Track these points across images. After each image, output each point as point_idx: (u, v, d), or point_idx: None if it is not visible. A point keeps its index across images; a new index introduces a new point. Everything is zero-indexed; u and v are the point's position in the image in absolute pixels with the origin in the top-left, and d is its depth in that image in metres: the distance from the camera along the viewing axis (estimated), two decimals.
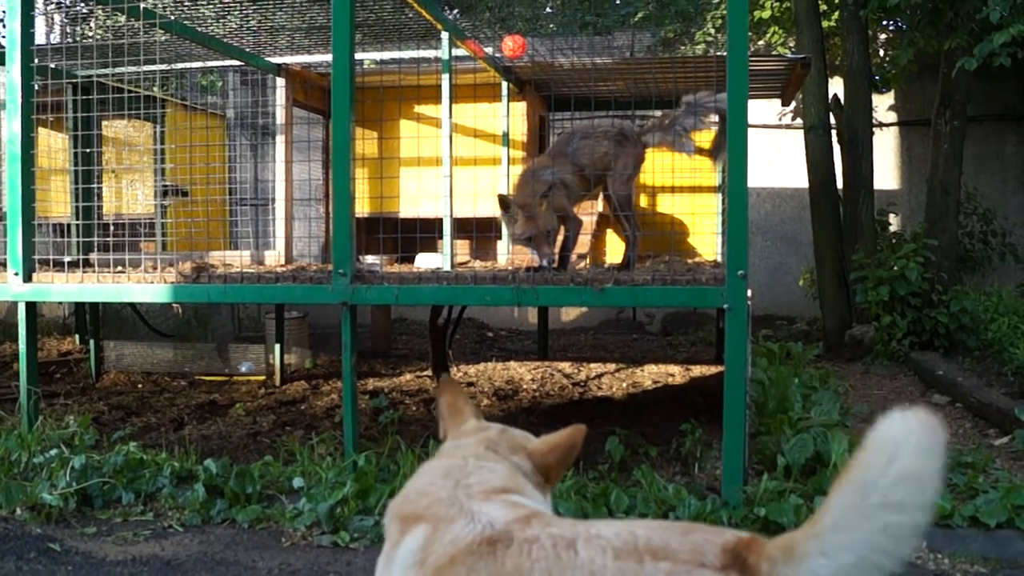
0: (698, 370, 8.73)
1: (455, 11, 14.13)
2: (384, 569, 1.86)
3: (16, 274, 5.22)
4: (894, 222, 10.77)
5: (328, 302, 4.92)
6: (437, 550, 1.76)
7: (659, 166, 8.61)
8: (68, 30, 12.96)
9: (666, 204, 8.79)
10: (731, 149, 4.51)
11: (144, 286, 5.16)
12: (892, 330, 8.93)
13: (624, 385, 8.08)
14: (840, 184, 9.94)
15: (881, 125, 11.34)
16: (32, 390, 5.24)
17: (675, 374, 8.60)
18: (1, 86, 6.53)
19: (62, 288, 5.27)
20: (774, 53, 11.09)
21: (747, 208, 4.47)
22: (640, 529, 1.65)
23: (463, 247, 8.38)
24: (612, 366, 9.02)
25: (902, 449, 1.43)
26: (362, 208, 7.19)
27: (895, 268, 8.85)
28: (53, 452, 4.72)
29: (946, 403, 7.09)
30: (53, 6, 12.48)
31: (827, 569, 1.44)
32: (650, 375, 8.55)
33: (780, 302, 11.66)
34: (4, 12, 5.46)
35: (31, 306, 5.35)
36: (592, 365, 9.05)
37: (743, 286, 4.44)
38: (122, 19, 8.06)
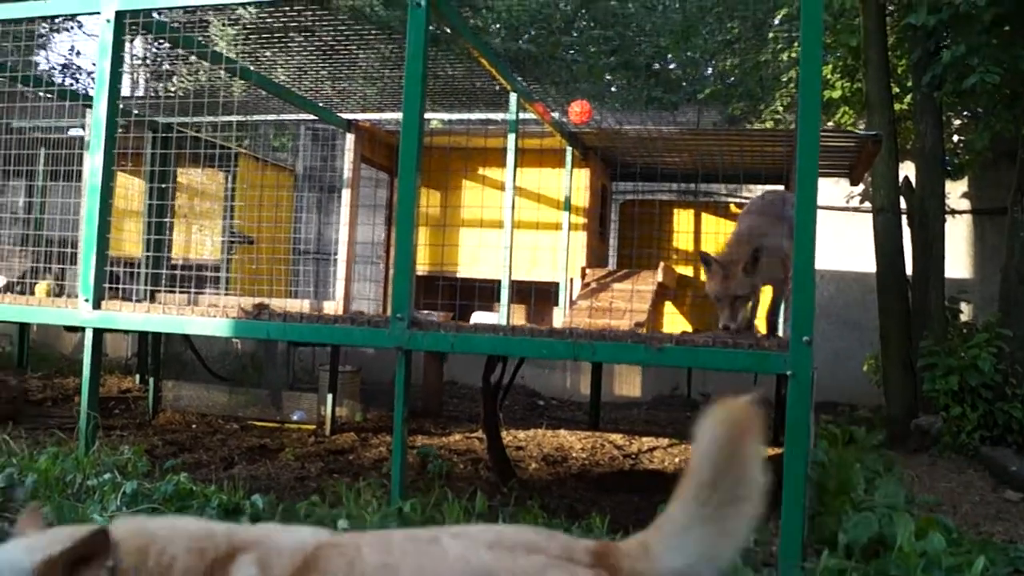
0: None
1: (521, 79, 14.41)
2: None
3: (87, 300, 5.33)
4: (965, 311, 10.49)
5: (385, 345, 4.91)
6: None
7: (720, 240, 8.60)
8: (150, 85, 13.50)
9: None
10: (800, 210, 4.44)
11: (206, 319, 5.22)
12: (961, 422, 8.60)
13: (677, 460, 7.90)
14: (909, 269, 9.75)
15: (954, 212, 11.13)
16: (92, 414, 5.30)
17: None
18: (88, 128, 6.78)
19: (128, 317, 5.36)
20: None
21: (814, 273, 4.38)
22: (501, 529, 1.78)
23: (519, 311, 8.38)
24: (665, 441, 8.84)
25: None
26: (421, 266, 7.25)
27: (965, 357, 8.58)
28: (106, 476, 4.75)
29: (1019, 499, 6.79)
30: (139, 62, 12.98)
31: (679, 561, 1.66)
32: None
33: (842, 388, 11.37)
34: (94, 65, 5.71)
35: (98, 333, 5.45)
36: (644, 438, 8.88)
37: (808, 353, 4.33)
38: (203, 77, 8.38)
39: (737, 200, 10.57)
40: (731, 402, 1.75)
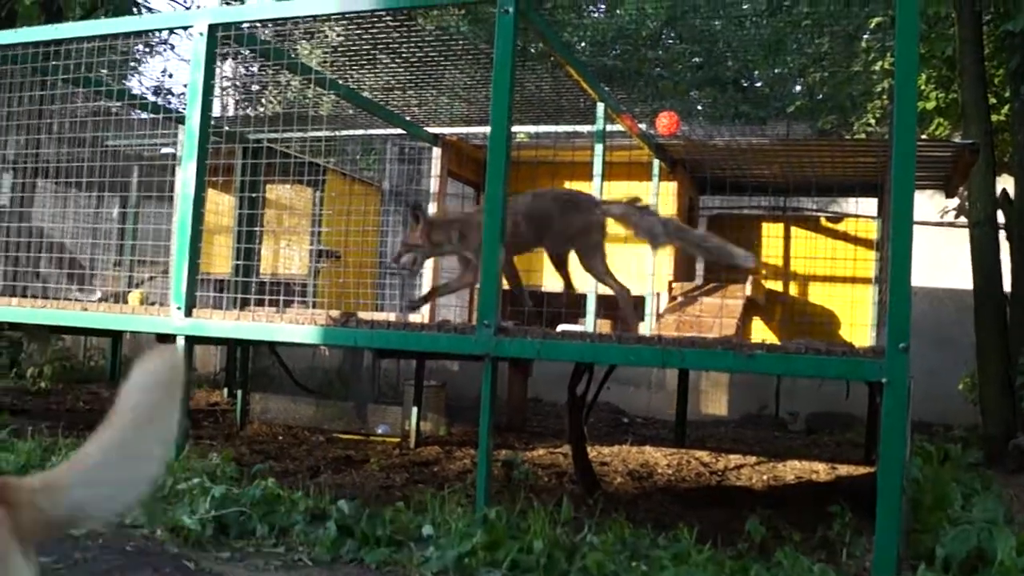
0: (845, 469, 8.27)
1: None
2: None
3: (179, 308, 5.45)
4: None
5: (472, 351, 4.92)
6: None
7: (815, 255, 8.42)
8: (241, 103, 13.89)
9: (818, 294, 8.53)
10: (895, 219, 4.30)
11: (295, 327, 5.30)
12: None
13: (764, 478, 7.72)
14: (1007, 285, 9.40)
15: None
16: (182, 420, 5.40)
17: (819, 471, 8.17)
18: (180, 144, 6.99)
19: (219, 324, 5.47)
20: None
21: (910, 277, 4.24)
22: None
23: (605, 326, 8.30)
24: (752, 459, 8.65)
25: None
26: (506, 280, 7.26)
27: None
28: (195, 480, 4.83)
29: None
30: (228, 83, 13.37)
31: (86, 496, 1.64)
32: (792, 470, 8.15)
33: (935, 409, 10.96)
34: (185, 87, 5.88)
35: (190, 340, 5.56)
36: (731, 456, 8.70)
37: (904, 360, 4.17)
38: (291, 95, 8.58)
39: (827, 214, 10.34)
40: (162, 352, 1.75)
